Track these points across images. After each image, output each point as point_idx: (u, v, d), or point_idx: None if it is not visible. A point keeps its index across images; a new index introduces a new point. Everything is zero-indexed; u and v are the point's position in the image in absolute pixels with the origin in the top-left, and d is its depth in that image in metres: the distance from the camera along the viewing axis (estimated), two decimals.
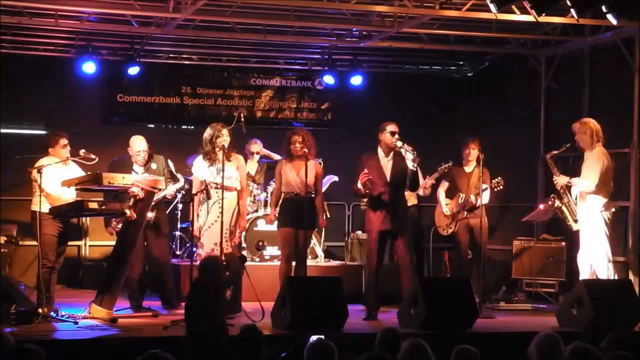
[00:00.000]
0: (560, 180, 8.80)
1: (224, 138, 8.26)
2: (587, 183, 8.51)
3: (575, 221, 8.73)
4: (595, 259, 8.45)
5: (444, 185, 9.74)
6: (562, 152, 9.01)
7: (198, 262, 8.14)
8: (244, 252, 9.09)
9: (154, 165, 8.64)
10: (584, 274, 8.46)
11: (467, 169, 9.55)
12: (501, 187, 9.38)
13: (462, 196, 9.44)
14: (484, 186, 9.16)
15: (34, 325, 7.26)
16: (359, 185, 8.29)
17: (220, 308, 6.54)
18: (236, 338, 5.21)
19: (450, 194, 9.67)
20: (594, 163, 8.51)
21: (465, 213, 9.42)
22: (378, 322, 8.18)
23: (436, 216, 9.85)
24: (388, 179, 8.39)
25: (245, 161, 10.11)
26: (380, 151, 8.49)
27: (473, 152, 9.37)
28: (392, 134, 8.37)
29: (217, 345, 5.46)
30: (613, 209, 8.67)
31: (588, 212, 8.53)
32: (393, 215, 8.35)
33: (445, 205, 9.62)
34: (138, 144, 8.61)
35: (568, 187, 8.77)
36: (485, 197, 9.31)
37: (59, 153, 8.08)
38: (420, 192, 10.01)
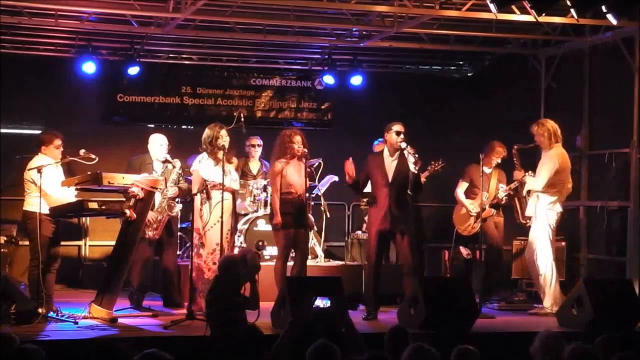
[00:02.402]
0: (516, 174, 9.11)
1: (224, 139, 8.30)
2: (537, 182, 8.91)
3: (523, 217, 9.12)
4: (538, 256, 8.87)
5: (462, 186, 9.69)
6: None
7: (198, 262, 8.25)
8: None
9: (170, 166, 8.69)
10: (533, 271, 8.98)
11: (487, 169, 9.51)
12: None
13: (486, 195, 9.41)
14: (503, 187, 9.36)
15: (34, 325, 7.27)
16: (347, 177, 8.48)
17: (240, 303, 6.58)
18: (237, 338, 5.23)
19: (467, 193, 9.66)
20: (547, 163, 8.90)
21: (493, 211, 9.43)
22: (378, 322, 8.18)
23: (457, 217, 9.80)
24: (390, 179, 8.40)
25: (248, 158, 10.20)
26: (385, 151, 8.51)
27: (500, 159, 9.40)
28: (398, 133, 8.39)
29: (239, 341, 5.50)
30: (560, 209, 8.98)
31: (536, 209, 8.91)
32: (393, 215, 8.35)
33: (470, 205, 9.58)
34: (162, 139, 8.76)
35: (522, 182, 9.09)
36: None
37: (52, 152, 8.08)
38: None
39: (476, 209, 9.49)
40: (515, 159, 9.16)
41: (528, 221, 9.10)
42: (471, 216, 9.61)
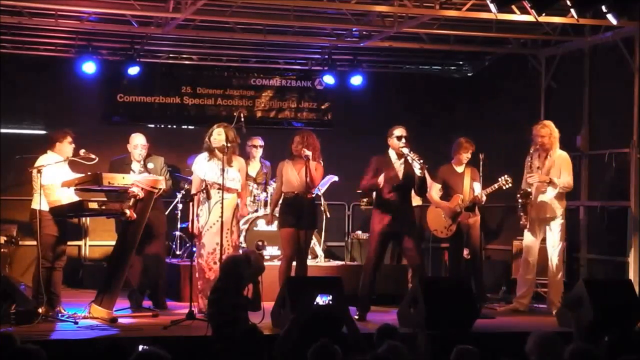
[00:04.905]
0: (540, 177, 8.93)
1: (215, 137, 8.27)
2: (569, 180, 8.94)
3: (527, 220, 9.00)
4: (559, 258, 8.97)
5: (435, 187, 9.52)
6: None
7: (197, 263, 8.25)
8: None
9: (150, 165, 8.67)
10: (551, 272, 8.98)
11: (459, 169, 9.43)
12: (510, 185, 9.30)
13: (461, 197, 9.35)
14: (477, 185, 9.24)
15: (34, 325, 7.27)
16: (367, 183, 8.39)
17: (242, 303, 6.59)
18: (237, 339, 5.23)
19: (441, 196, 9.53)
20: (566, 162, 9.02)
21: (470, 214, 9.33)
22: (379, 323, 8.12)
23: (432, 219, 9.59)
24: (399, 182, 8.33)
25: (248, 158, 10.18)
26: (392, 153, 8.40)
27: (468, 155, 9.29)
28: (399, 138, 8.29)
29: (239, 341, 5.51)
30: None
31: (561, 211, 8.98)
32: (397, 218, 8.30)
33: (446, 205, 9.49)
34: (136, 139, 8.72)
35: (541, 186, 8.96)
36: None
37: (65, 149, 8.06)
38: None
39: (460, 205, 9.31)
40: (531, 164, 9.01)
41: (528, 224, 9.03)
42: (446, 218, 9.41)
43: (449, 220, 9.37)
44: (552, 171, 8.94)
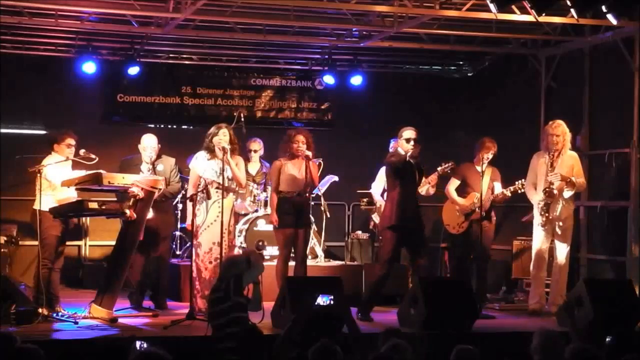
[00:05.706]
0: (563, 176, 8.87)
1: (220, 137, 8.28)
2: (584, 181, 9.01)
3: (547, 219, 8.98)
4: (567, 256, 8.99)
5: (454, 183, 9.51)
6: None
7: (196, 262, 8.25)
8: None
9: (160, 166, 8.67)
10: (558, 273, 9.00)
11: (479, 167, 9.41)
12: (523, 190, 9.30)
13: (477, 195, 9.29)
14: (498, 184, 9.28)
15: (34, 325, 7.27)
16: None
17: (242, 303, 6.59)
18: (238, 338, 5.23)
19: (459, 192, 9.55)
20: (579, 163, 9.05)
21: (484, 213, 9.19)
22: (379, 323, 8.13)
23: (446, 213, 9.64)
24: (416, 179, 8.48)
25: (246, 160, 10.16)
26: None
27: (489, 155, 9.23)
28: (408, 141, 8.31)
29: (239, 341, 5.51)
30: None
31: (572, 212, 9.05)
32: (413, 213, 8.36)
33: (462, 202, 9.42)
34: (145, 141, 8.71)
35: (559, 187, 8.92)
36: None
37: (63, 151, 8.09)
38: (423, 191, 9.81)
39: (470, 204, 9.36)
40: (553, 162, 9.01)
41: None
42: (459, 215, 9.46)
43: (462, 217, 9.40)
44: (565, 171, 8.92)
